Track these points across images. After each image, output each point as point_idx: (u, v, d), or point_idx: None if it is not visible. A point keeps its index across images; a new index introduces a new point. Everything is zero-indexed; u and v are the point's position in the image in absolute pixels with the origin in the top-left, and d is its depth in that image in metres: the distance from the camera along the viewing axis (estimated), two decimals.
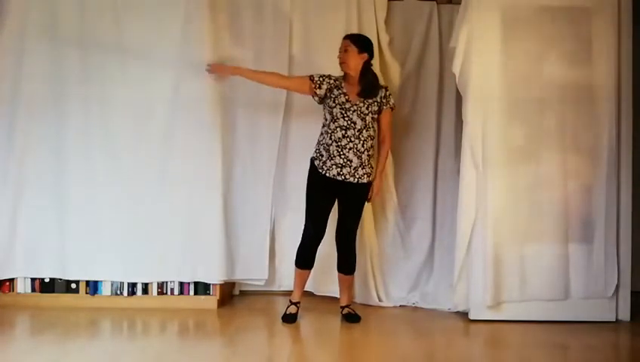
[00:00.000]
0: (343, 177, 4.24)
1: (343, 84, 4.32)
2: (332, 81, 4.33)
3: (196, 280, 4.69)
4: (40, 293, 4.70)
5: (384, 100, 4.32)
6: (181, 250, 4.66)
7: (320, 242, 4.37)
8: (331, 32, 4.93)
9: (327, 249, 4.50)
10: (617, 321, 4.38)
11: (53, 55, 4.67)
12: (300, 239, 4.38)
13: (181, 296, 4.72)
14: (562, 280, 4.36)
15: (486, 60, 4.35)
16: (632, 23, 4.42)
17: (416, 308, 4.82)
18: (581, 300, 4.37)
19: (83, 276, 4.68)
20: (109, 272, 4.68)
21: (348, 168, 4.23)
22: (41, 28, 4.67)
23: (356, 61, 4.28)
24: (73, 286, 4.71)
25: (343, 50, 4.32)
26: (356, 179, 4.25)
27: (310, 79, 4.34)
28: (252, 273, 4.97)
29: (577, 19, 4.37)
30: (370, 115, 4.25)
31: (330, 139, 4.25)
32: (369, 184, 4.33)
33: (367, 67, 4.31)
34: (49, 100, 4.68)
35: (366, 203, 4.42)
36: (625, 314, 4.39)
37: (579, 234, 4.38)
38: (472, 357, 3.83)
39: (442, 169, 5.04)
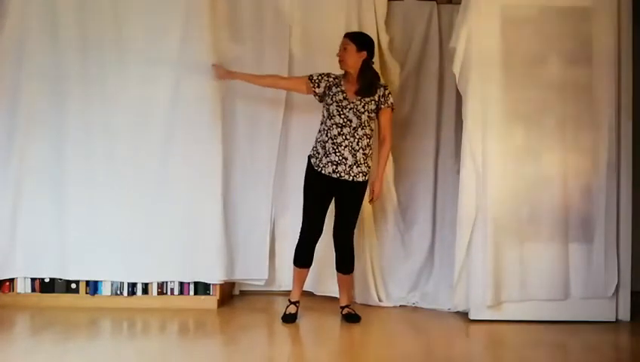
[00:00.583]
0: (338, 175, 4.24)
1: (342, 82, 4.32)
2: (331, 79, 4.34)
3: (196, 280, 4.69)
4: (40, 293, 4.70)
5: (382, 99, 4.30)
6: (181, 249, 4.66)
7: (317, 240, 4.37)
8: (331, 32, 4.93)
9: (326, 248, 4.51)
10: (617, 321, 4.37)
11: (53, 55, 4.67)
12: (298, 237, 4.39)
13: (181, 296, 4.72)
14: (562, 280, 4.36)
15: (486, 60, 4.34)
16: (632, 23, 4.42)
17: (416, 308, 4.82)
18: (581, 300, 4.37)
19: (83, 276, 4.68)
20: (109, 272, 4.68)
21: (343, 166, 4.23)
22: (41, 28, 4.67)
23: (355, 59, 4.28)
24: (73, 286, 4.71)
25: (342, 49, 4.32)
26: (351, 177, 4.24)
27: (309, 78, 4.36)
28: (252, 273, 4.98)
29: (577, 19, 4.37)
30: (366, 113, 4.24)
31: (327, 136, 4.26)
32: (365, 183, 4.32)
33: (366, 65, 4.30)
34: (49, 100, 4.68)
35: (369, 203, 4.43)
36: (625, 314, 4.38)
37: (579, 234, 4.38)
38: (472, 357, 3.83)
39: (442, 169, 5.05)
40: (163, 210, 4.66)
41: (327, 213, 4.37)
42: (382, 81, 4.49)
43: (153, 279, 4.70)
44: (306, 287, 4.75)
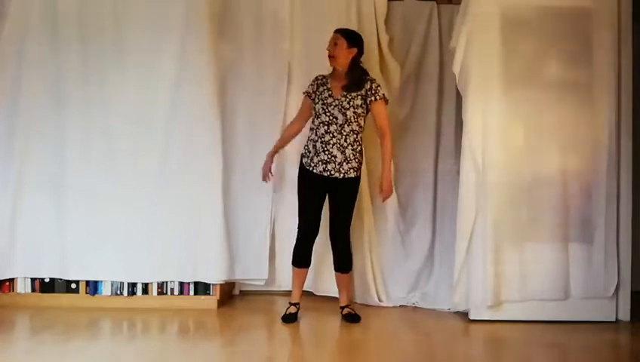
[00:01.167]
0: (328, 173, 4.24)
1: (329, 80, 4.33)
2: (319, 81, 4.37)
3: (196, 280, 4.69)
4: (40, 293, 4.71)
5: (370, 92, 4.26)
6: (181, 250, 4.66)
7: (314, 239, 4.38)
8: (331, 33, 4.93)
9: (326, 248, 4.51)
10: (617, 321, 4.38)
11: (53, 56, 4.68)
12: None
13: (181, 296, 4.72)
14: (562, 280, 4.36)
15: (486, 60, 4.34)
16: (632, 22, 4.42)
17: (416, 308, 4.82)
18: (581, 300, 4.37)
19: (83, 276, 4.69)
20: (109, 272, 4.68)
21: (333, 164, 4.23)
22: (41, 29, 4.68)
23: (345, 55, 4.29)
24: (73, 286, 4.71)
25: (333, 44, 4.32)
26: (342, 175, 4.24)
27: (307, 96, 4.41)
28: (252, 273, 4.98)
29: (577, 19, 4.37)
30: (352, 109, 4.22)
31: (316, 135, 4.28)
32: (356, 179, 4.31)
33: (355, 62, 4.30)
34: (49, 101, 4.69)
35: (381, 202, 4.46)
36: (625, 314, 4.39)
37: (579, 234, 4.38)
38: (472, 357, 3.83)
39: (442, 169, 5.04)
40: (163, 210, 4.66)
41: (324, 213, 4.38)
42: (370, 77, 4.42)
43: (153, 279, 4.70)
44: (306, 287, 4.75)
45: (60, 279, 4.70)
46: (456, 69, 4.44)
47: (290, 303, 4.44)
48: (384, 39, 4.97)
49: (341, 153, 4.22)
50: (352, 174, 4.26)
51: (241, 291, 5.18)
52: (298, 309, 4.43)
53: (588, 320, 4.35)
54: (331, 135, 4.22)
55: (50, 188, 4.67)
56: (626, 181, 4.41)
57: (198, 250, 4.66)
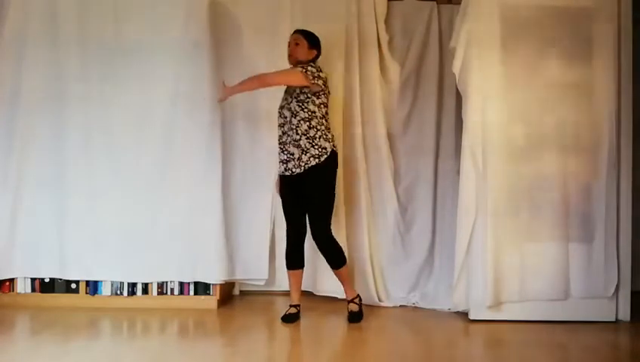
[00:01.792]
0: (290, 172, 4.25)
1: (288, 86, 4.34)
2: (284, 93, 4.39)
3: (196, 280, 4.69)
4: (40, 293, 4.71)
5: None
6: (181, 250, 4.66)
7: (302, 241, 4.39)
8: (331, 32, 4.94)
9: None
10: (617, 321, 4.38)
11: (53, 56, 4.69)
12: None
13: (181, 296, 4.73)
14: (562, 280, 4.36)
15: (486, 60, 4.34)
16: (632, 22, 4.42)
17: (416, 308, 4.82)
18: (581, 300, 4.37)
19: (83, 276, 4.69)
20: (109, 272, 4.69)
21: (292, 161, 4.23)
22: (41, 29, 4.69)
23: (305, 56, 4.31)
24: (73, 286, 4.72)
25: (294, 44, 4.32)
26: (302, 168, 4.22)
27: None
28: (252, 273, 4.98)
29: (577, 19, 4.37)
30: (294, 101, 4.22)
31: (278, 140, 4.32)
32: (319, 166, 4.20)
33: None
34: (49, 100, 4.69)
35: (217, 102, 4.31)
36: (625, 314, 4.38)
37: (579, 234, 4.38)
38: (472, 357, 3.82)
39: (442, 169, 5.05)
40: (163, 210, 4.67)
41: None
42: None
43: (153, 279, 4.70)
44: (306, 287, 4.76)
45: (60, 279, 4.70)
46: (456, 68, 4.44)
47: (290, 305, 4.45)
48: (384, 39, 4.97)
49: (297, 148, 4.21)
50: (313, 162, 4.20)
51: (241, 291, 5.18)
52: (298, 310, 4.43)
53: (588, 320, 4.35)
54: (286, 135, 4.25)
55: (50, 188, 4.68)
56: (626, 181, 4.41)
57: (198, 250, 4.66)
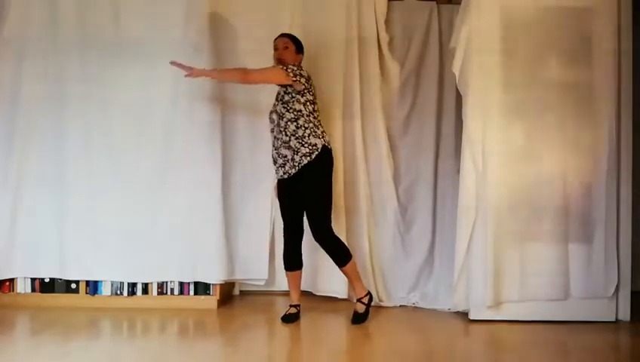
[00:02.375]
0: (287, 175, 4.25)
1: (278, 91, 4.36)
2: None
3: (196, 280, 4.69)
4: (40, 293, 4.71)
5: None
6: (181, 249, 4.66)
7: (299, 242, 4.39)
8: (331, 32, 4.94)
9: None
10: (617, 321, 4.37)
11: (53, 56, 4.69)
12: None
13: (181, 296, 4.72)
14: (562, 280, 4.36)
15: (486, 60, 4.34)
16: (632, 23, 4.41)
17: (416, 308, 4.82)
18: (581, 300, 4.37)
19: (83, 276, 4.69)
20: (109, 272, 4.69)
21: (288, 163, 4.24)
22: (41, 29, 4.69)
23: (293, 60, 4.33)
24: (73, 286, 4.72)
25: (283, 47, 4.34)
26: (296, 168, 4.22)
27: None
28: (252, 273, 4.98)
29: (577, 19, 4.37)
30: (280, 103, 4.24)
31: (272, 147, 4.33)
32: (312, 163, 4.18)
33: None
34: (49, 101, 4.69)
35: (184, 76, 4.19)
36: (625, 314, 4.38)
37: (579, 234, 4.38)
38: (472, 357, 3.82)
39: (442, 169, 5.04)
40: (163, 210, 4.67)
41: None
42: None
43: (153, 279, 4.70)
44: (306, 287, 4.76)
45: (60, 279, 4.70)
46: (456, 68, 4.44)
47: (290, 305, 4.45)
48: (384, 39, 4.97)
49: (288, 149, 4.21)
50: (305, 161, 4.19)
51: (241, 291, 5.18)
52: (298, 310, 4.43)
53: (588, 320, 4.35)
54: (277, 139, 4.26)
55: (50, 188, 4.68)
56: (626, 181, 4.41)
57: (198, 250, 4.66)
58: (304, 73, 4.22)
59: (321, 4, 4.98)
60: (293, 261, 4.41)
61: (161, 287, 4.72)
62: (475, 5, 4.35)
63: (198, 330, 4.28)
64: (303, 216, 4.36)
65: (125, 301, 4.70)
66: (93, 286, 4.71)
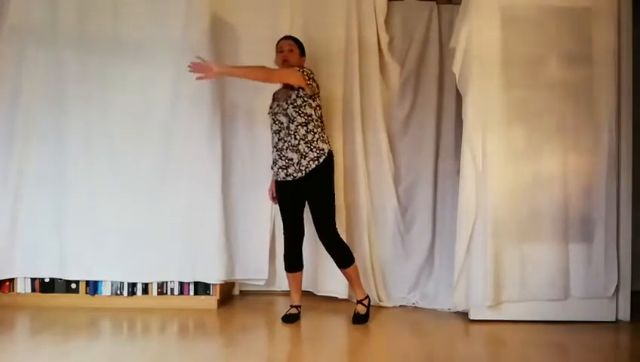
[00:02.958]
0: (292, 177, 4.25)
1: (278, 92, 4.39)
2: (273, 96, 4.44)
3: (196, 280, 4.69)
4: (40, 293, 4.71)
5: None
6: (181, 249, 4.66)
7: (300, 244, 4.40)
8: (331, 33, 4.94)
9: (324, 248, 4.50)
10: (617, 321, 4.38)
11: (53, 56, 4.69)
12: None
13: (181, 296, 4.73)
14: (562, 280, 4.36)
15: (486, 60, 4.34)
16: (632, 22, 4.42)
17: (416, 308, 4.82)
18: (581, 300, 4.37)
19: (83, 276, 4.69)
20: (109, 272, 4.69)
21: (293, 166, 4.24)
22: (41, 29, 4.69)
23: (297, 62, 4.36)
24: (73, 286, 4.72)
25: (288, 50, 4.36)
26: (303, 172, 4.23)
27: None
28: (252, 273, 4.98)
29: (577, 19, 4.37)
30: (291, 106, 4.23)
31: (272, 146, 4.34)
32: (320, 167, 4.22)
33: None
34: (49, 101, 4.69)
35: (193, 74, 4.02)
36: (625, 314, 4.38)
37: (579, 234, 4.38)
38: (472, 357, 3.82)
39: (442, 169, 5.05)
40: (163, 210, 4.67)
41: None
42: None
43: (153, 279, 4.70)
44: (306, 287, 4.76)
45: (60, 279, 4.70)
46: (456, 68, 4.44)
47: (291, 305, 4.46)
48: (384, 39, 4.97)
49: (295, 153, 4.22)
50: (314, 165, 4.22)
51: (241, 291, 5.18)
52: (299, 311, 4.44)
53: (588, 320, 4.35)
54: (283, 141, 4.25)
55: (50, 188, 4.68)
56: (626, 181, 4.41)
57: (198, 250, 4.66)
58: (315, 78, 4.26)
59: (321, 4, 4.98)
60: (293, 262, 4.41)
61: (161, 287, 4.72)
62: (475, 5, 4.35)
63: (198, 330, 4.28)
64: (303, 217, 4.36)
65: (125, 301, 4.70)
66: (93, 286, 4.71)
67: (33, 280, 4.72)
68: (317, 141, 4.23)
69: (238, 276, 4.95)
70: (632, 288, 4.42)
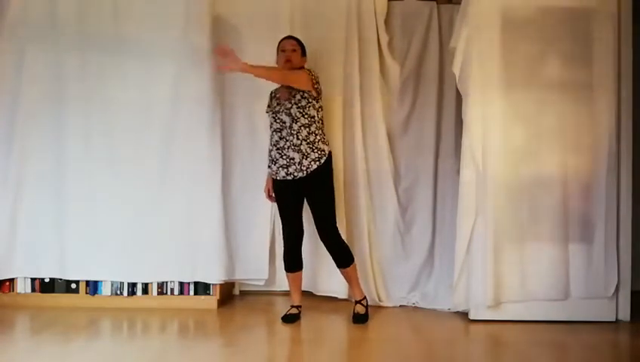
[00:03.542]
0: (292, 176, 4.26)
1: (278, 90, 4.39)
2: (272, 95, 4.44)
3: (196, 280, 4.69)
4: (40, 293, 4.71)
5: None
6: (181, 249, 4.66)
7: (300, 242, 4.40)
8: (331, 33, 4.94)
9: (323, 249, 4.50)
10: (617, 321, 4.37)
11: (53, 56, 4.69)
12: None
13: (181, 296, 4.72)
14: (562, 280, 4.36)
15: (486, 60, 4.34)
16: (632, 22, 4.42)
17: (416, 308, 4.82)
18: (581, 300, 4.37)
19: (83, 276, 4.69)
20: (109, 272, 4.69)
21: (293, 166, 4.24)
22: (41, 29, 4.69)
23: (299, 62, 4.36)
24: (73, 286, 4.72)
25: (291, 50, 4.35)
26: (304, 173, 4.24)
27: (267, 112, 4.45)
28: (252, 273, 4.98)
29: (577, 19, 4.37)
30: (294, 107, 4.23)
31: (271, 145, 4.33)
32: (321, 168, 4.26)
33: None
34: (49, 101, 4.69)
35: (217, 69, 3.99)
36: (625, 314, 4.38)
37: (579, 234, 4.38)
38: (472, 357, 3.82)
39: (442, 169, 5.04)
40: (163, 210, 4.67)
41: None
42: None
43: (153, 279, 4.70)
44: (306, 287, 4.76)
45: (60, 279, 4.70)
46: (456, 69, 4.44)
47: (291, 306, 4.46)
48: (384, 39, 4.96)
49: (297, 153, 4.22)
50: (315, 166, 4.24)
51: (241, 291, 5.18)
52: (299, 311, 4.44)
53: (588, 320, 4.35)
54: (284, 140, 4.25)
55: (50, 188, 4.68)
56: (626, 181, 4.41)
57: (198, 250, 4.66)
58: (319, 80, 4.29)
59: (322, 4, 4.98)
60: (293, 262, 4.41)
61: (161, 287, 4.72)
62: (475, 5, 4.35)
63: (198, 330, 4.28)
64: (302, 216, 4.36)
65: (125, 301, 4.70)
66: (93, 286, 4.71)
67: (33, 280, 4.72)
68: (318, 142, 4.25)
69: (238, 276, 4.95)
70: (632, 288, 4.42)
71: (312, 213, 4.32)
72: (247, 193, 4.96)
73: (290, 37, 4.48)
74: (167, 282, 4.72)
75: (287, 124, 4.24)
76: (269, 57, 4.56)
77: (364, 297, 4.47)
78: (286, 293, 4.77)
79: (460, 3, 4.51)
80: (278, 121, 4.28)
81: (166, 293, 4.72)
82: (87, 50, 4.69)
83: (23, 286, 4.71)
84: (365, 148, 4.93)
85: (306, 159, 4.22)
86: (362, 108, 4.93)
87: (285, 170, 4.27)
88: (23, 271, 4.69)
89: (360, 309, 4.41)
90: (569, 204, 4.37)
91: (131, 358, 3.63)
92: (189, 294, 4.72)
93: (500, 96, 4.36)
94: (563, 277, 4.36)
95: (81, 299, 4.71)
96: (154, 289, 4.71)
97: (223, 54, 4.02)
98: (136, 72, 4.68)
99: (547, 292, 4.35)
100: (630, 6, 4.40)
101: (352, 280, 4.44)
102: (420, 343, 4.01)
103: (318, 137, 4.26)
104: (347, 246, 4.39)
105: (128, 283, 4.70)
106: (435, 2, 5.07)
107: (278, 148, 4.29)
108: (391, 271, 4.96)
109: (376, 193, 4.98)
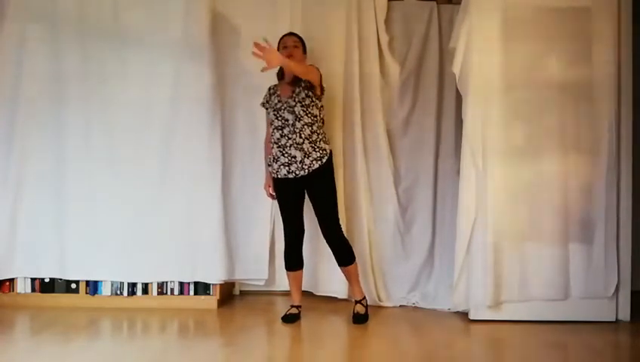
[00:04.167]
0: (294, 174, 4.26)
1: (278, 87, 4.37)
2: (271, 90, 4.42)
3: (196, 280, 4.69)
4: (40, 293, 4.71)
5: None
6: (181, 249, 4.66)
7: (301, 241, 4.40)
8: (331, 32, 4.94)
9: (323, 248, 4.51)
10: (617, 321, 4.37)
11: (53, 56, 4.69)
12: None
13: (181, 296, 4.73)
14: (562, 280, 4.36)
15: (486, 60, 4.34)
16: (632, 22, 4.41)
17: (416, 308, 4.82)
18: (581, 300, 4.37)
19: (83, 276, 4.69)
20: (109, 272, 4.69)
21: (295, 164, 4.24)
22: (41, 28, 4.69)
23: (300, 59, 4.34)
24: (73, 286, 4.72)
25: (293, 46, 4.34)
26: (306, 171, 4.24)
27: (262, 106, 4.46)
28: (252, 273, 4.98)
29: (577, 19, 4.37)
30: (298, 105, 4.23)
31: (272, 142, 4.32)
32: (323, 167, 4.26)
33: None
34: (49, 100, 4.70)
35: (260, 71, 3.98)
36: (625, 314, 4.38)
37: (579, 234, 4.38)
38: (472, 357, 3.82)
39: (442, 169, 5.05)
40: (163, 209, 4.67)
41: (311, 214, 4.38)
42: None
43: (153, 279, 4.70)
44: (306, 287, 4.76)
45: (60, 279, 4.70)
46: (456, 69, 4.44)
47: (291, 305, 4.45)
48: (384, 39, 4.97)
49: (299, 151, 4.22)
50: (317, 165, 4.24)
51: (241, 291, 5.18)
52: (300, 311, 4.43)
53: (588, 320, 4.35)
54: (286, 137, 4.24)
55: (50, 188, 4.68)
56: (626, 181, 4.41)
57: (198, 250, 4.66)
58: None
59: (322, 4, 4.98)
60: (294, 261, 4.41)
61: (161, 287, 4.72)
62: (475, 5, 4.35)
63: (198, 330, 4.28)
64: (303, 215, 4.36)
65: (125, 301, 4.70)
66: (93, 286, 4.71)
67: (33, 280, 4.72)
68: (320, 141, 4.26)
69: (238, 276, 4.95)
70: (632, 288, 4.42)
71: (315, 211, 4.32)
72: (247, 193, 4.96)
73: (291, 33, 4.47)
74: (167, 282, 4.72)
75: (290, 122, 4.23)
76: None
77: (364, 297, 4.47)
78: (286, 293, 4.76)
79: (459, 3, 4.51)
80: (280, 118, 4.28)
81: (166, 293, 4.72)
82: (87, 50, 4.69)
83: (23, 286, 4.72)
84: (365, 148, 4.93)
85: (307, 158, 4.22)
86: (362, 108, 4.93)
87: (287, 168, 4.27)
88: (23, 271, 4.69)
89: (360, 309, 4.41)
90: (569, 204, 4.37)
91: (131, 358, 3.64)
92: (189, 294, 4.72)
93: (500, 96, 4.36)
94: (563, 277, 4.36)
95: (81, 299, 4.71)
96: (154, 290, 4.72)
97: (262, 51, 3.92)
98: (136, 72, 4.69)
99: (547, 293, 4.35)
100: (630, 5, 4.40)
101: (352, 279, 4.44)
102: (420, 343, 4.01)
103: (319, 136, 4.27)
104: (349, 244, 4.40)
105: (128, 283, 4.70)
106: (435, 2, 5.07)
107: (279, 146, 4.28)
108: (391, 271, 4.96)
109: (376, 193, 4.98)
